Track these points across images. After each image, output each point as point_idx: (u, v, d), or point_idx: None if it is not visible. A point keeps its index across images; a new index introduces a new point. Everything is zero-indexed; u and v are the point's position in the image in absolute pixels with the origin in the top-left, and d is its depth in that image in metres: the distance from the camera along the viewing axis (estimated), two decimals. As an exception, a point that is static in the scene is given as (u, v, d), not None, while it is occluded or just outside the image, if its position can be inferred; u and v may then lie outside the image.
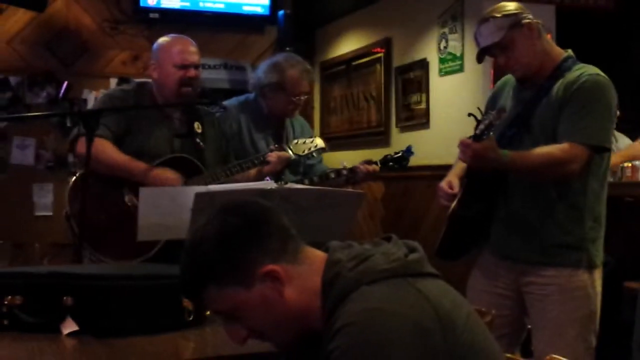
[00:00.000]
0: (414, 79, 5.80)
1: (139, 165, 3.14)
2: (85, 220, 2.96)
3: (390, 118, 6.16)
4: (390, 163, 3.61)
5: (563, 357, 2.65)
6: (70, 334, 1.87)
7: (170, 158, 3.22)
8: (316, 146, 3.43)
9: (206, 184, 3.11)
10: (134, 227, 2.77)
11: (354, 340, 1.32)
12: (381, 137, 6.22)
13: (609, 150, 2.78)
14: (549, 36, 5.03)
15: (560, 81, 2.76)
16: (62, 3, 5.34)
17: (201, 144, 3.30)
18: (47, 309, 1.89)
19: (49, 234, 5.04)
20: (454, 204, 2.90)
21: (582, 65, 2.84)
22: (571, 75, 2.76)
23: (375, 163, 3.59)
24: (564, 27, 5.15)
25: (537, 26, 2.84)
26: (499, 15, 2.81)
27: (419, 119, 5.70)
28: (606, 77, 2.78)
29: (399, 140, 6.06)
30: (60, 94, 5.26)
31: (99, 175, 3.10)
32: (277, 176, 3.42)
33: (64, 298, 1.88)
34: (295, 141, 3.45)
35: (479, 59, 2.91)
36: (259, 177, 3.32)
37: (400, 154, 3.63)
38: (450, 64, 5.33)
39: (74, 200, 3.09)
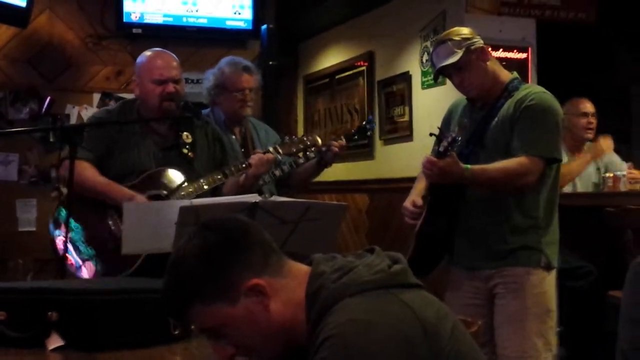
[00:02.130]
0: (396, 92, 5.83)
1: (117, 191, 3.13)
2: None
3: (374, 131, 6.18)
4: (355, 137, 3.67)
5: (523, 351, 2.85)
6: (55, 349, 1.86)
7: (153, 172, 3.22)
8: (309, 143, 3.47)
9: (187, 194, 3.14)
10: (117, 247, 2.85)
11: (338, 352, 1.31)
12: (365, 150, 6.23)
13: (560, 161, 3.00)
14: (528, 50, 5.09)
15: (510, 100, 2.97)
16: (45, 19, 5.32)
17: (189, 154, 3.29)
18: (32, 324, 1.87)
19: (32, 249, 5.01)
20: (419, 221, 3.05)
21: (528, 85, 3.10)
22: (519, 94, 2.97)
23: (340, 139, 3.62)
24: (544, 41, 5.20)
25: (487, 50, 3.06)
26: (455, 38, 3.01)
27: (402, 132, 5.73)
28: (551, 94, 3.00)
29: (383, 153, 6.09)
30: (43, 110, 5.24)
31: (85, 197, 3.13)
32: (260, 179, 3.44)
33: (49, 313, 1.86)
34: (286, 138, 3.49)
35: (436, 78, 3.16)
36: (247, 183, 3.34)
37: (362, 126, 3.72)
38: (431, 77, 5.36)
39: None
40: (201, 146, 3.36)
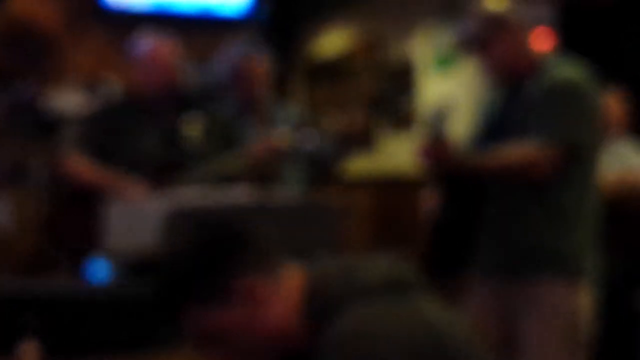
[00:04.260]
0: (402, 79, 5.83)
1: (113, 181, 3.15)
2: (66, 238, 3.16)
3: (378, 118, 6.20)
4: None
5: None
6: (33, 354, 1.80)
7: (156, 164, 3.23)
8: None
9: (183, 183, 3.14)
10: None
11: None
12: (369, 144, 6.26)
13: (580, 147, 2.70)
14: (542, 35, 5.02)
15: (537, 83, 2.74)
16: (25, 5, 5.27)
17: (197, 141, 3.29)
18: (7, 327, 1.85)
19: (9, 248, 4.94)
20: (430, 211, 2.90)
21: (563, 65, 2.80)
22: (547, 76, 2.73)
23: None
24: (564, 23, 5.14)
25: (519, 24, 2.82)
26: (481, 10, 2.81)
27: (408, 122, 5.74)
28: (584, 76, 2.74)
29: (387, 141, 6.09)
30: (23, 100, 5.17)
31: (81, 191, 3.17)
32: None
33: (26, 315, 1.83)
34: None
35: (456, 54, 3.10)
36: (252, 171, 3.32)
37: None
38: (440, 64, 5.37)
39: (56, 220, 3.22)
40: (210, 132, 3.36)
